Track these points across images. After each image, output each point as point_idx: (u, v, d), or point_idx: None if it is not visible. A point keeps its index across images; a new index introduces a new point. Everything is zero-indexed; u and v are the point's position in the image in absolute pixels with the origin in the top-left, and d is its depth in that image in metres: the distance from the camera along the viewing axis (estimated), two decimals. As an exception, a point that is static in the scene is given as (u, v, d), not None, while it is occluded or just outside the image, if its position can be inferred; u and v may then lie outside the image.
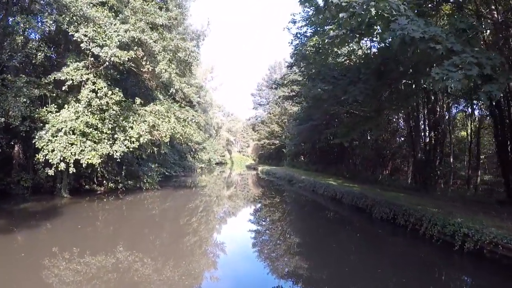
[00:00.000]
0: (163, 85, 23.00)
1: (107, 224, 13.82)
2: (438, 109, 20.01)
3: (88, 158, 14.79)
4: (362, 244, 11.47)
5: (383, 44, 10.60)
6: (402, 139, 27.94)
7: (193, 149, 49.22)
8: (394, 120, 27.08)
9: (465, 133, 23.63)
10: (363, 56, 12.77)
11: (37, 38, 18.00)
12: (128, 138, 16.61)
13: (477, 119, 21.93)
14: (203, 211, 17.74)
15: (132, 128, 16.71)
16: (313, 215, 16.98)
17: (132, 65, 16.87)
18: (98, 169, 18.86)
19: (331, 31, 7.00)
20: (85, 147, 14.90)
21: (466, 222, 9.46)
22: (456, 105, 22.87)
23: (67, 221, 12.98)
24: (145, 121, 16.83)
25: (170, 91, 20.74)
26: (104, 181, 20.60)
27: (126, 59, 15.12)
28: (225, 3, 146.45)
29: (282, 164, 51.70)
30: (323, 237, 12.08)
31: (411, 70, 9.88)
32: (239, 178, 44.10)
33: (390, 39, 6.78)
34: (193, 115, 36.15)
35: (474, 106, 21.29)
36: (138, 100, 17.66)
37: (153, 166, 22.84)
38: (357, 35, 6.90)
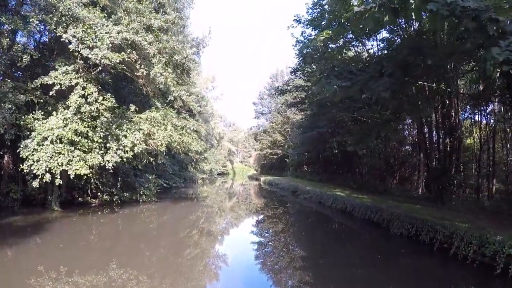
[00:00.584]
0: (161, 92, 21.88)
1: (101, 239, 12.76)
2: (453, 113, 18.74)
3: (76, 169, 13.54)
4: (385, 266, 9.97)
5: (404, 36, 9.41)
6: (408, 147, 26.76)
7: (194, 160, 48.16)
8: (400, 126, 25.92)
9: (472, 140, 22.55)
10: (386, 46, 11.42)
11: (30, 42, 17.09)
12: (121, 147, 15.40)
13: (488, 125, 20.86)
14: (203, 225, 16.42)
15: (125, 136, 15.49)
16: (322, 231, 15.42)
17: (125, 68, 15.72)
18: (92, 180, 17.74)
19: (355, 7, 5.78)
20: (73, 157, 13.68)
21: (509, 241, 8.07)
22: (462, 112, 21.70)
23: (56, 236, 12.03)
24: (140, 129, 15.63)
25: (168, 99, 19.56)
26: (99, 193, 19.56)
27: (118, 62, 13.96)
28: (225, 13, 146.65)
29: (284, 174, 50.38)
30: (337, 257, 10.53)
31: (438, 63, 8.64)
32: (241, 189, 42.80)
33: (429, 15, 5.53)
34: (193, 125, 35.29)
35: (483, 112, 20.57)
36: (132, 107, 16.51)
37: (150, 177, 21.59)
38: (389, 12, 5.69)
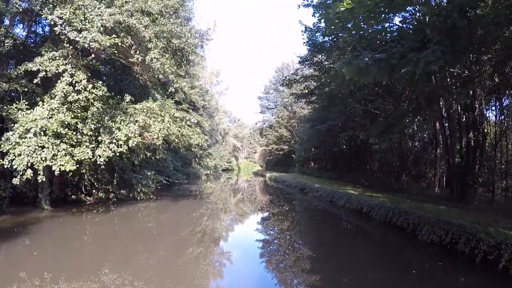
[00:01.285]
0: (160, 83, 20.48)
1: (95, 240, 11.66)
2: (476, 105, 17.12)
3: (61, 165, 12.13)
4: (423, 284, 7.80)
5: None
6: (421, 142, 25.10)
7: (198, 155, 46.87)
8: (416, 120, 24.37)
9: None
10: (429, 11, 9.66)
11: (15, 25, 15.78)
12: (114, 141, 14.01)
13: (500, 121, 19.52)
14: (204, 225, 14.96)
15: (119, 129, 14.10)
16: (338, 236, 13.22)
17: (118, 54, 14.25)
18: (85, 177, 16.44)
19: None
20: (58, 151, 12.26)
21: None
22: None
23: (45, 238, 10.96)
24: (136, 121, 14.21)
25: (169, 90, 18.17)
26: (94, 191, 18.31)
27: (109, 46, 12.50)
28: (229, 8, 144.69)
29: (290, 170, 48.95)
30: (362, 273, 8.63)
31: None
32: (246, 185, 41.44)
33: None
34: (193, 117, 33.89)
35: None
36: (128, 97, 15.08)
37: (149, 174, 20.19)
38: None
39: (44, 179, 12.37)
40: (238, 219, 17.65)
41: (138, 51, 14.23)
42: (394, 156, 23.51)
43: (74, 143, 12.99)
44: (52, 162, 12.07)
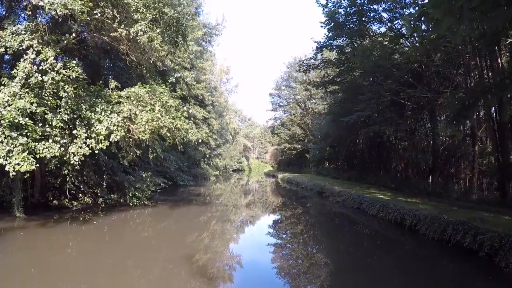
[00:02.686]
0: (157, 71, 17.84)
1: (79, 254, 9.60)
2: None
3: (16, 164, 9.46)
4: None
5: None
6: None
7: (207, 155, 44.52)
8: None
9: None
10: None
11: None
12: (94, 135, 11.38)
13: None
14: (205, 241, 12.08)
15: (100, 121, 11.44)
16: (384, 261, 9.51)
17: (94, 24, 11.53)
18: (67, 179, 13.97)
19: None
20: (15, 147, 9.61)
21: None
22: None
23: (15, 253, 9.03)
24: (120, 110, 11.53)
25: (170, 80, 15.46)
26: (80, 195, 15.69)
27: (79, 11, 9.79)
28: (239, 6, 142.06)
29: (303, 171, 46.08)
30: None
31: None
32: (257, 187, 38.59)
33: None
34: (204, 116, 31.03)
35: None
36: (112, 83, 12.44)
37: (144, 175, 17.49)
38: None
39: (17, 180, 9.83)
40: (249, 235, 13.56)
41: (123, 25, 11.61)
42: (426, 154, 20.38)
43: (38, 137, 10.34)
44: (6, 160, 9.43)
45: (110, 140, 11.32)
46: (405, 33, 16.32)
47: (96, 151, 11.49)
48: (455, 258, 9.41)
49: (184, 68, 26.82)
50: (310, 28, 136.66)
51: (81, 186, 15.74)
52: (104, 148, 11.40)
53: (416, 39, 16.85)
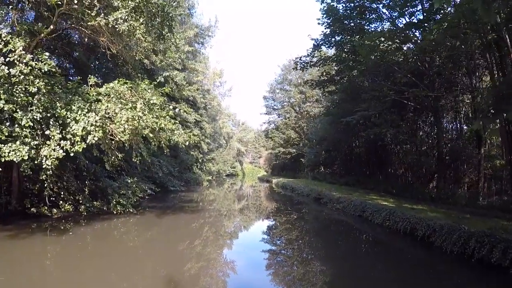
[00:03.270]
0: (145, 70, 16.74)
1: (57, 267, 8.61)
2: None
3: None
4: None
5: None
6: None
7: (200, 160, 43.35)
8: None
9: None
10: None
11: None
12: (70, 135, 10.20)
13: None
14: (194, 255, 10.88)
15: (76, 120, 10.25)
16: (397, 276, 8.21)
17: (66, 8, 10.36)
18: (46, 185, 12.76)
19: None
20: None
21: None
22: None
23: None
24: (100, 109, 10.33)
25: (158, 80, 14.32)
26: (61, 202, 14.39)
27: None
28: (233, 11, 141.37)
29: (298, 176, 44.96)
30: None
31: None
32: (251, 192, 37.34)
33: None
34: (196, 119, 29.89)
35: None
36: (92, 79, 11.26)
37: (129, 181, 16.25)
38: None
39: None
40: (243, 249, 11.80)
41: (103, 14, 10.47)
42: (429, 158, 19.33)
43: (4, 138, 9.13)
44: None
45: (88, 141, 10.12)
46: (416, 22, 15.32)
47: (72, 154, 10.28)
48: (481, 276, 8.13)
49: (175, 69, 25.71)
50: (305, 32, 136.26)
51: (62, 193, 14.49)
52: (80, 150, 10.20)
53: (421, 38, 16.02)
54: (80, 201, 14.86)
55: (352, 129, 22.58)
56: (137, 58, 14.76)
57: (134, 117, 9.69)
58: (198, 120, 36.62)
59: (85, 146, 10.21)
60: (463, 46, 13.91)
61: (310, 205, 22.23)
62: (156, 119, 10.19)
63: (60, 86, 11.14)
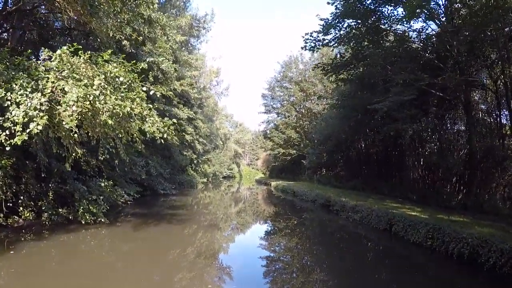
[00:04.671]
0: (124, 52, 14.04)
1: None
2: None
3: None
4: None
5: None
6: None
7: (194, 161, 40.80)
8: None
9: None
10: None
11: None
12: (9, 124, 7.49)
13: None
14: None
15: (18, 104, 7.51)
16: None
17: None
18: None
19: None
20: None
21: None
22: None
23: None
24: (46, 87, 7.55)
25: (140, 66, 11.60)
26: (21, 209, 11.94)
27: None
28: (230, 11, 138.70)
29: (297, 178, 42.31)
30: None
31: None
32: (249, 195, 34.54)
33: None
34: (188, 116, 27.15)
35: None
36: (45, 52, 8.53)
37: (103, 185, 13.41)
38: None
39: None
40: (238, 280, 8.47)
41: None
42: (457, 158, 16.54)
43: None
44: None
45: (30, 131, 7.36)
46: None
47: (7, 148, 7.52)
48: None
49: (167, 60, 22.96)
50: (304, 30, 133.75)
51: (21, 197, 11.90)
52: (19, 143, 7.43)
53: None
54: (43, 208, 12.24)
55: (365, 125, 19.79)
56: (111, 35, 12.10)
57: (87, 96, 6.88)
58: (192, 117, 33.91)
59: (26, 138, 7.44)
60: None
61: (316, 212, 19.41)
62: (120, 101, 7.36)
63: (7, 61, 8.47)
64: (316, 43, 16.93)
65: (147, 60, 16.37)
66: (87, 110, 6.93)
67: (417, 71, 14.30)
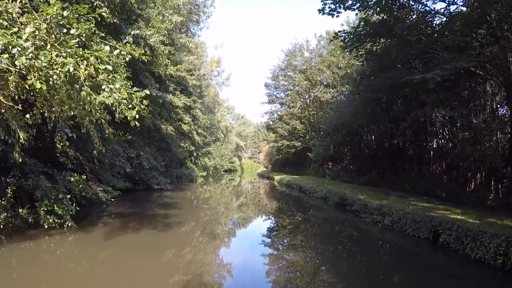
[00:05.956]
0: (105, 24, 11.54)
1: None
2: None
3: None
4: None
5: None
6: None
7: (194, 154, 38.50)
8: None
9: None
10: None
11: None
12: None
13: None
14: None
15: None
16: None
17: None
18: None
19: None
20: None
21: None
22: None
23: None
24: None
25: (125, 41, 9.12)
26: (-27, 209, 9.71)
27: None
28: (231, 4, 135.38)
29: (302, 172, 39.98)
30: None
31: None
32: (252, 192, 32.07)
33: None
34: (185, 103, 24.76)
35: None
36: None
37: (72, 180, 10.96)
38: None
39: None
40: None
41: None
42: (495, 149, 14.04)
43: None
44: None
45: None
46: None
47: None
48: None
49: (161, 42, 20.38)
50: (304, 28, 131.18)
51: (-29, 196, 9.78)
52: None
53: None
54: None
55: (388, 111, 17.14)
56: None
57: (8, 48, 4.41)
58: (190, 105, 31.46)
59: None
60: None
61: (326, 210, 16.94)
62: (64, 59, 4.85)
63: None
64: (337, 5, 13.94)
65: (132, 33, 13.91)
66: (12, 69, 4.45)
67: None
